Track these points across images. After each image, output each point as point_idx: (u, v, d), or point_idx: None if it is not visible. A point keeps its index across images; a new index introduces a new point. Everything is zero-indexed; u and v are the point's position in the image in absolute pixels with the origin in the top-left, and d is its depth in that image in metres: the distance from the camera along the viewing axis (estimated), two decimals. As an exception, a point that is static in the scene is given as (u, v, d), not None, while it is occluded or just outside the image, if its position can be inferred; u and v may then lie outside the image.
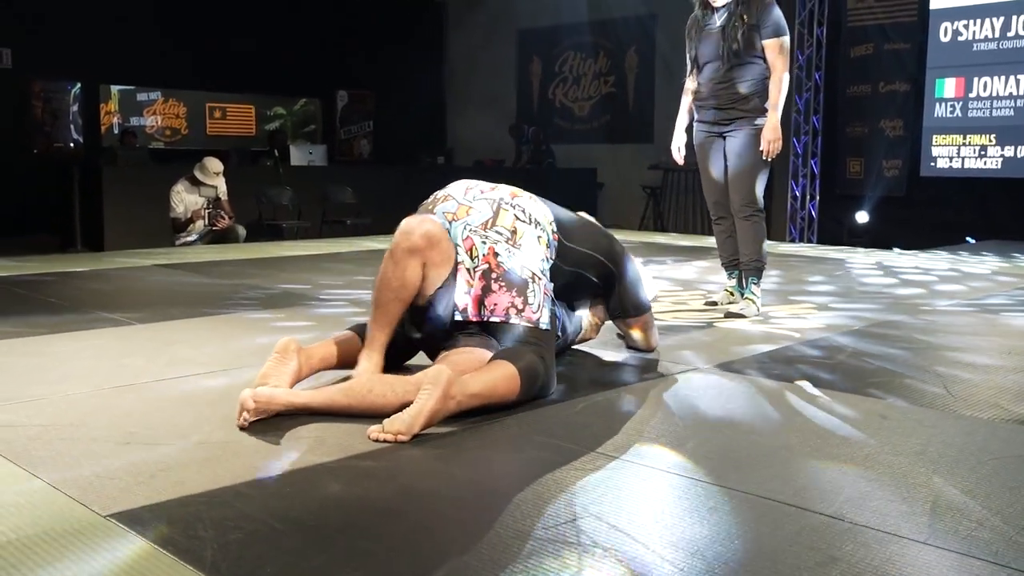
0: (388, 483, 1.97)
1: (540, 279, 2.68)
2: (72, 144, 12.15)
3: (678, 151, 4.37)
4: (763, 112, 4.03)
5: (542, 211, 2.83)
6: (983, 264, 6.37)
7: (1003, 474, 2.05)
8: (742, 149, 4.07)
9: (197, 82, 12.98)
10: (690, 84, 4.27)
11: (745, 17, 3.98)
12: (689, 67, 4.25)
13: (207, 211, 7.74)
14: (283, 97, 15.47)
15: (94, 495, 1.82)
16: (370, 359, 2.58)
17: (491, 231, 2.67)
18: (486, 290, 2.60)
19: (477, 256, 2.62)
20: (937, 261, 6.53)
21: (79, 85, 11.95)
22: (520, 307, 2.61)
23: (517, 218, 2.72)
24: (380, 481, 1.98)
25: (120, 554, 1.57)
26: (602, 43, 13.10)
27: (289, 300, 4.40)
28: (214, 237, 7.76)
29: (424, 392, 2.25)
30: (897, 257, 6.79)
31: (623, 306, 3.13)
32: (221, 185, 7.86)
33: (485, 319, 2.61)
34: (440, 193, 2.83)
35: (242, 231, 8.05)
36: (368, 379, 2.48)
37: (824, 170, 10.74)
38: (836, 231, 10.46)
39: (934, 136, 9.89)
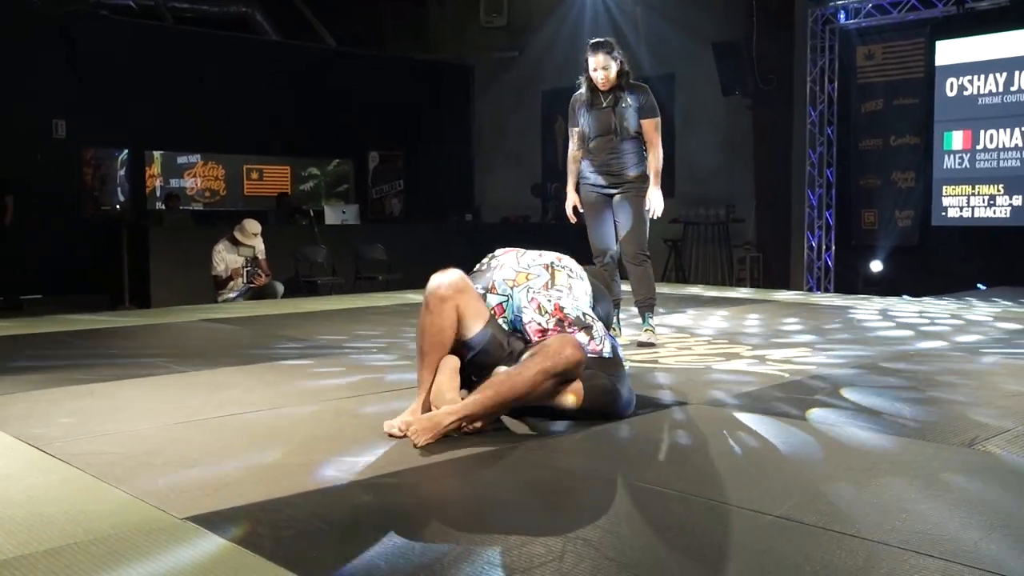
0: (409, 494, 2.36)
1: (596, 320, 3.20)
2: (118, 207, 12.80)
3: (572, 210, 5.01)
4: (646, 178, 4.75)
5: (579, 267, 3.40)
6: (985, 309, 6.66)
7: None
8: (633, 209, 4.77)
9: (234, 145, 13.61)
10: (577, 154, 4.91)
11: (630, 100, 4.68)
12: (575, 139, 4.88)
13: (246, 269, 8.22)
14: (317, 158, 16.11)
15: (170, 503, 2.22)
16: (419, 398, 2.97)
17: (552, 290, 3.18)
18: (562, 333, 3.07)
19: (546, 312, 3.12)
20: (940, 307, 6.83)
21: (126, 151, 12.63)
22: (586, 343, 3.08)
23: (569, 276, 3.27)
24: (403, 493, 2.37)
25: (197, 546, 1.96)
26: (624, 101, 13.58)
27: (325, 350, 4.82)
28: (253, 294, 8.23)
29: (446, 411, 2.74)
30: (902, 304, 7.09)
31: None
32: (259, 245, 8.35)
33: None
34: (494, 262, 3.33)
35: (280, 287, 8.52)
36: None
37: (839, 221, 11.08)
38: (852, 280, 10.77)
39: (944, 187, 10.22)
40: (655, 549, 1.97)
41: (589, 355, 3.07)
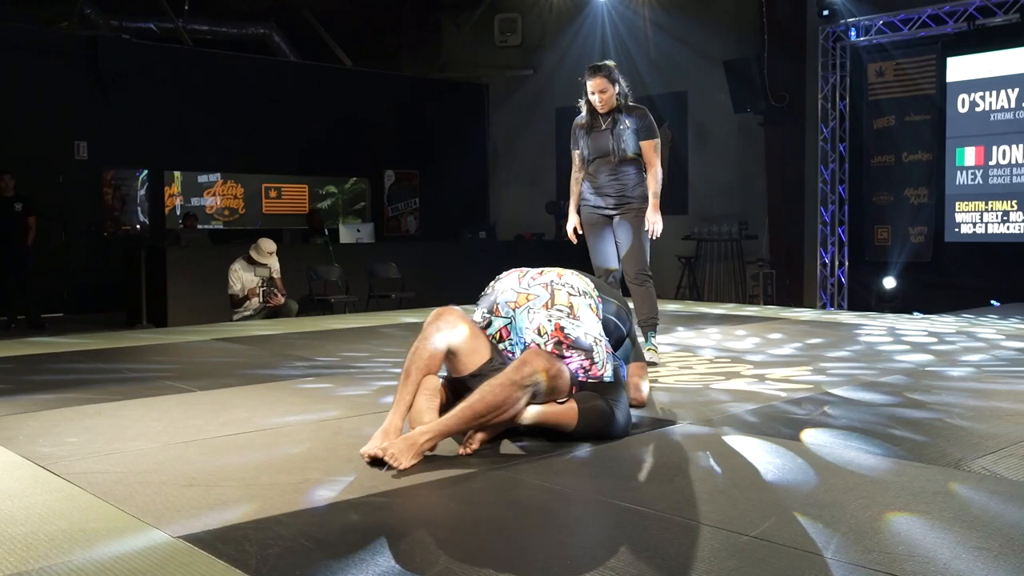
0: (398, 514, 2.43)
1: (600, 340, 3.20)
2: (138, 226, 13.00)
3: (573, 232, 5.09)
4: (645, 199, 4.80)
5: (583, 282, 3.36)
6: (995, 327, 6.66)
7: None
8: (633, 230, 4.84)
9: (253, 165, 13.80)
10: (578, 175, 4.98)
11: (628, 123, 4.74)
12: (577, 161, 4.96)
13: (262, 289, 8.34)
14: (334, 177, 16.27)
15: (165, 522, 2.30)
16: (394, 417, 2.99)
17: (552, 310, 3.17)
18: (559, 357, 3.11)
19: (546, 333, 3.14)
20: (949, 324, 6.83)
21: (146, 172, 12.84)
22: (587, 367, 3.13)
23: (570, 294, 3.25)
24: (391, 512, 2.44)
25: (188, 563, 2.04)
26: (636, 119, 13.66)
27: (330, 369, 4.90)
28: (269, 312, 8.35)
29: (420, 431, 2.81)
30: (911, 321, 7.10)
31: (636, 351, 3.61)
32: (274, 264, 8.48)
33: None
34: (498, 286, 3.35)
35: (294, 306, 8.63)
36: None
37: (852, 238, 11.09)
38: (865, 297, 10.77)
39: (957, 203, 10.22)
40: (631, 567, 2.02)
41: (589, 380, 3.12)
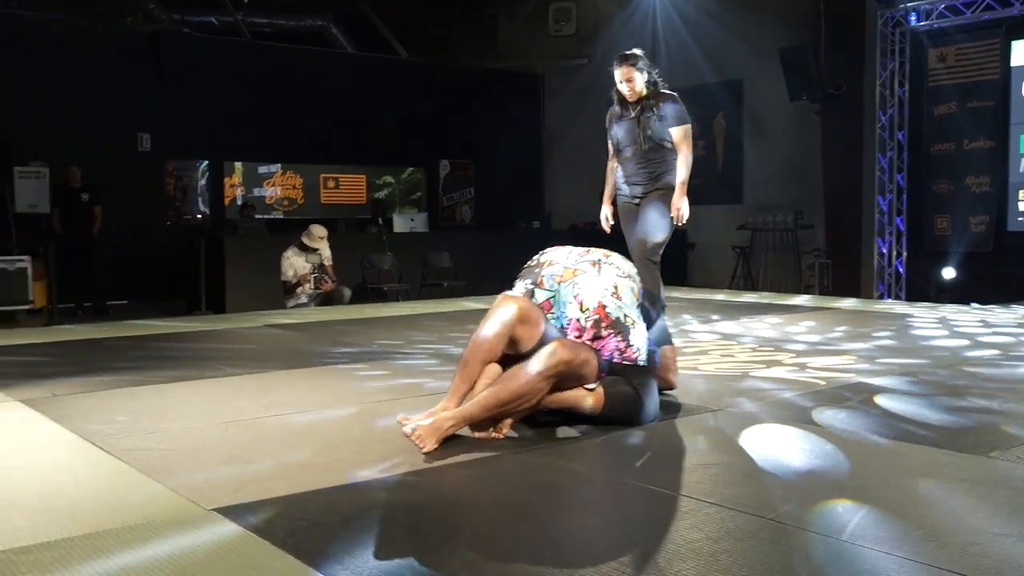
0: (425, 493, 2.51)
1: (637, 323, 3.24)
2: (199, 216, 13.31)
3: (606, 220, 5.04)
4: (672, 187, 4.70)
5: (628, 265, 3.43)
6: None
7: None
8: (648, 213, 4.76)
9: (312, 155, 14.03)
10: (612, 164, 4.94)
11: (656, 111, 4.67)
12: (611, 151, 4.91)
13: (313, 275, 8.49)
14: (391, 167, 16.46)
15: (202, 496, 2.41)
16: (446, 403, 3.05)
17: (596, 287, 3.22)
18: (596, 336, 3.16)
19: (587, 309, 3.18)
20: (1005, 316, 6.69)
21: (206, 162, 13.14)
22: (623, 349, 3.17)
23: (616, 274, 3.30)
24: (418, 491, 2.52)
25: (217, 534, 2.15)
26: (691, 108, 13.55)
27: (377, 355, 5.00)
28: (322, 300, 8.50)
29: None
30: (965, 312, 6.97)
31: (665, 334, 3.64)
32: (325, 250, 8.61)
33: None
34: (543, 258, 3.41)
35: (347, 293, 8.77)
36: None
37: (910, 227, 10.88)
38: (924, 287, 10.55)
39: (1020, 191, 9.95)
40: (646, 547, 2.06)
41: (624, 362, 3.16)
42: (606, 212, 5.05)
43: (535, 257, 3.46)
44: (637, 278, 3.39)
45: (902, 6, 10.54)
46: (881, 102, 10.75)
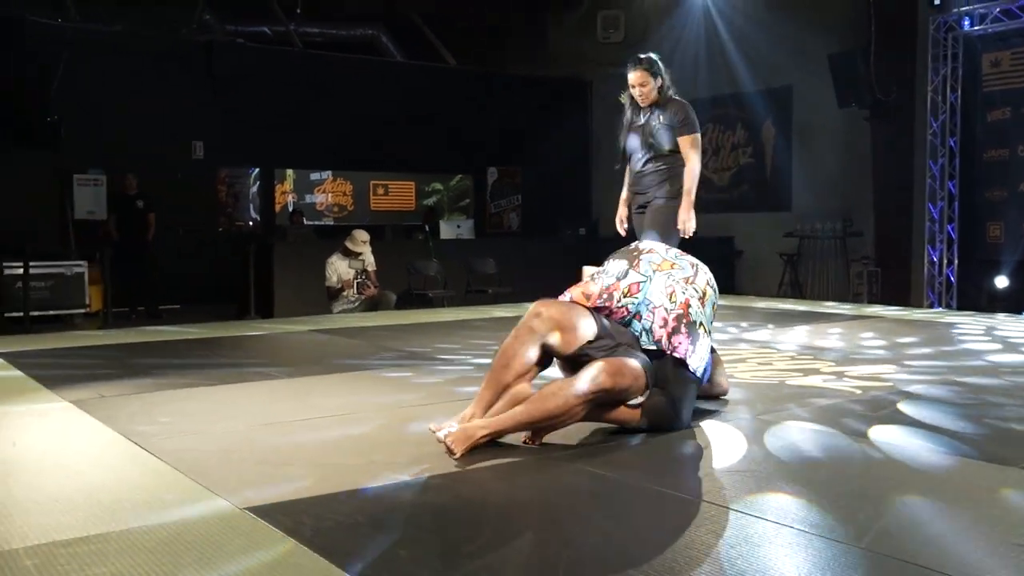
0: (452, 496, 2.56)
1: (705, 337, 3.31)
2: (251, 223, 13.57)
3: (620, 223, 4.98)
4: (677, 195, 4.63)
5: (715, 283, 3.50)
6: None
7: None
8: (653, 215, 4.70)
9: (362, 163, 14.22)
10: (628, 168, 4.89)
11: (662, 118, 4.59)
12: (623, 157, 4.86)
13: (356, 281, 8.62)
14: (440, 174, 16.60)
15: (235, 495, 2.49)
16: (473, 408, 3.09)
17: (690, 287, 3.34)
18: (676, 331, 3.23)
19: (676, 301, 3.27)
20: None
21: (257, 170, 13.39)
22: (690, 355, 3.22)
23: (707, 283, 3.42)
24: (446, 494, 2.57)
25: (246, 532, 2.22)
26: (739, 115, 13.51)
27: (415, 360, 5.08)
28: (368, 305, 8.63)
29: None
30: (1013, 322, 6.85)
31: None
32: (368, 255, 8.73)
33: (669, 352, 3.22)
34: (642, 245, 3.53)
35: (392, 298, 8.89)
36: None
37: (962, 235, 10.70)
38: (975, 296, 10.37)
39: (1076, 198, 9.75)
40: (662, 551, 2.10)
41: (687, 370, 3.19)
42: (621, 215, 5.00)
43: (635, 243, 3.60)
44: (719, 299, 3.51)
45: (956, 11, 10.39)
46: (933, 108, 10.60)
